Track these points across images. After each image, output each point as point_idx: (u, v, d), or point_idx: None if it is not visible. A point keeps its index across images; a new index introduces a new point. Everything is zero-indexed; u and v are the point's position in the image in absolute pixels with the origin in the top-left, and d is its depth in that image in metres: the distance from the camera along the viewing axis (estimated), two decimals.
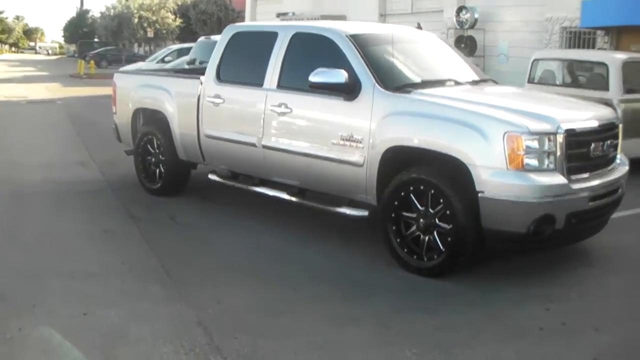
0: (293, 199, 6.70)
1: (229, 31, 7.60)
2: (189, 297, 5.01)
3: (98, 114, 15.83)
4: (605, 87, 9.71)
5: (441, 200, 5.40)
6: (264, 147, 6.74)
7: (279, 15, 27.41)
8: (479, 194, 5.20)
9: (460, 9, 19.32)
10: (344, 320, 4.69)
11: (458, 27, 19.27)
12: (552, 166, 5.24)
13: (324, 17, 24.31)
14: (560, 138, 5.27)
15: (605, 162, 5.83)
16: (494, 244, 5.44)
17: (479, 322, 4.73)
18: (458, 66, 6.97)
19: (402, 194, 5.65)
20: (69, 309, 4.76)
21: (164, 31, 38.20)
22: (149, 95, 8.30)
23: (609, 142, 5.81)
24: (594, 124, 5.67)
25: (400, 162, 5.72)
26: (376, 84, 5.90)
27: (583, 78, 10.73)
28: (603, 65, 9.92)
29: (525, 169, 5.15)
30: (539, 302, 5.08)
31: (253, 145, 6.84)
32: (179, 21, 38.62)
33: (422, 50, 7.03)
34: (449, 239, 5.39)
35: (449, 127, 5.37)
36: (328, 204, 6.39)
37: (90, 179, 9.30)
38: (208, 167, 7.99)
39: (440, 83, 6.36)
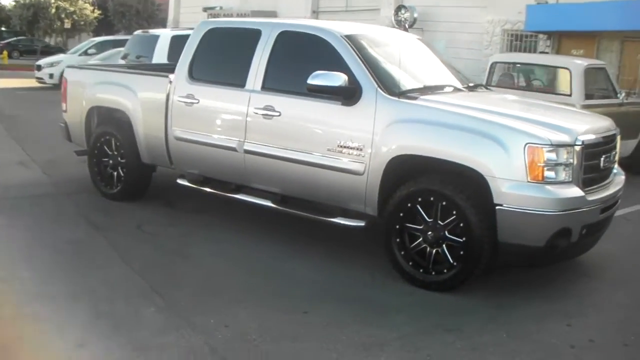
0: (279, 207, 6.26)
1: (203, 27, 7.03)
2: (191, 321, 4.53)
3: (22, 108, 14.88)
4: (568, 93, 9.71)
5: (454, 212, 5.12)
6: (246, 151, 6.28)
7: (205, 9, 26.72)
8: (497, 207, 4.95)
9: (399, 8, 19.26)
10: (369, 345, 4.33)
11: (396, 26, 19.15)
12: (569, 178, 5.06)
13: (255, 13, 23.89)
14: (577, 150, 5.10)
15: (609, 173, 5.74)
16: (509, 258, 5.20)
17: (508, 342, 4.49)
18: (448, 70, 6.71)
19: (409, 205, 5.33)
20: (60, 340, 4.19)
21: (82, 22, 36.64)
22: (109, 93, 7.67)
23: (613, 153, 5.72)
24: (604, 135, 5.54)
25: (406, 171, 5.41)
26: (379, 89, 5.55)
27: (544, 83, 10.71)
28: (566, 70, 9.92)
29: (545, 181, 4.94)
30: (558, 317, 4.91)
31: (233, 149, 6.37)
32: (97, 13, 37.17)
33: (413, 53, 6.72)
34: (462, 253, 5.11)
35: (465, 137, 5.09)
36: (318, 214, 6.00)
37: (34, 181, 8.56)
38: (169, 170, 7.48)
39: (439, 88, 6.09)
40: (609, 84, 10.52)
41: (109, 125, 7.73)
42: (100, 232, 6.51)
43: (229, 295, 5.05)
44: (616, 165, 6.01)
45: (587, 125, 5.49)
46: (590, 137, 5.30)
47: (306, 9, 23.50)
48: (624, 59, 14.30)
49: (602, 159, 5.47)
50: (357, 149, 5.55)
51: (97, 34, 35.93)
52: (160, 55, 13.75)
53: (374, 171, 5.48)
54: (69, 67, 8.64)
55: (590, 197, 5.20)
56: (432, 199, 5.23)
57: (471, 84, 6.58)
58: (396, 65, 6.06)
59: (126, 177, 7.55)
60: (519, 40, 16.34)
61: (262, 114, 6.13)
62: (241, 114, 6.31)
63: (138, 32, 16.10)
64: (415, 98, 5.56)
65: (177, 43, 13.93)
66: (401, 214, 5.38)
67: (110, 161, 7.70)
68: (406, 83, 5.78)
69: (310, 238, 6.42)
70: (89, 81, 7.98)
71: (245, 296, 5.05)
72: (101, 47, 23.45)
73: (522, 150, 4.90)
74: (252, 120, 6.23)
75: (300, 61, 6.22)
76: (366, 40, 6.13)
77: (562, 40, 15.59)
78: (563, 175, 5.03)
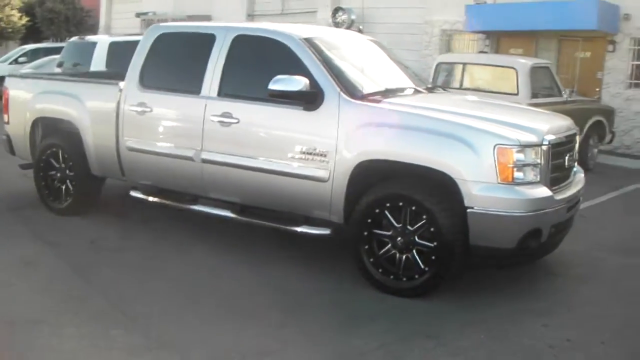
0: (240, 217, 6.08)
1: (154, 31, 6.79)
2: (164, 341, 4.33)
3: None
4: (515, 92, 9.82)
5: (424, 217, 5.05)
6: (204, 161, 6.09)
7: (138, 15, 26.16)
8: (468, 210, 4.92)
9: (336, 10, 19.24)
10: (351, 356, 4.23)
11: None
12: (537, 178, 5.06)
13: (190, 18, 23.48)
14: (544, 149, 5.11)
15: (571, 171, 5.80)
16: (480, 260, 5.18)
17: (488, 344, 4.46)
18: (404, 72, 6.66)
19: (377, 211, 5.25)
20: None
21: (10, 30, 35.32)
22: (55, 103, 7.34)
23: (574, 151, 5.79)
24: (566, 134, 5.58)
25: (373, 177, 5.32)
26: (341, 93, 5.45)
27: (489, 82, 10.81)
28: (512, 69, 10.04)
29: (515, 182, 4.93)
30: (533, 317, 4.92)
31: (189, 159, 6.17)
32: (25, 20, 35.92)
33: (369, 55, 6.64)
34: (433, 257, 5.06)
35: (433, 140, 5.04)
36: (281, 223, 5.85)
37: None
38: (117, 182, 7.25)
39: (400, 91, 6.03)
40: (553, 83, 10.72)
41: (56, 137, 7.41)
42: (53, 249, 6.19)
43: (200, 311, 4.86)
44: (575, 164, 6.07)
45: (551, 125, 5.52)
46: (555, 136, 5.32)
47: (241, 13, 23.26)
48: (561, 58, 14.63)
49: (566, 157, 5.52)
50: (321, 155, 5.43)
51: (24, 41, 34.74)
52: (98, 63, 13.33)
53: (339, 177, 5.36)
54: (10, 76, 8.25)
55: (558, 197, 5.23)
56: (400, 204, 5.15)
57: (429, 86, 6.54)
58: (355, 67, 5.99)
59: (75, 190, 7.25)
60: (457, 41, 16.51)
61: (219, 121, 5.95)
62: (197, 122, 6.11)
63: (74, 38, 15.58)
64: (378, 101, 5.48)
65: (116, 50, 13.60)
66: (369, 221, 5.28)
67: (58, 174, 7.38)
68: (368, 86, 5.69)
69: (272, 247, 6.26)
70: (33, 91, 7.62)
71: (216, 310, 4.88)
72: (32, 55, 22.66)
73: (491, 151, 4.88)
74: (209, 128, 6.04)
75: (258, 66, 6.06)
76: (323, 43, 6.01)
77: (500, 39, 15.84)
78: (531, 175, 5.03)
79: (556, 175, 5.34)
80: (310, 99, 5.46)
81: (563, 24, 13.62)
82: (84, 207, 7.34)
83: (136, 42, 14.61)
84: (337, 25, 19.09)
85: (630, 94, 14.21)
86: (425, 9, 17.03)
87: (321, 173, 5.43)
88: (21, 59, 22.29)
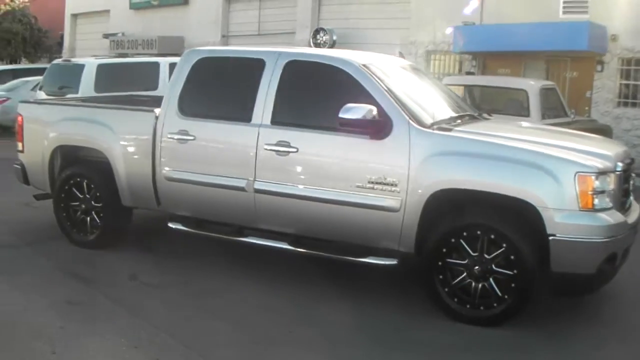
0: (297, 249, 5.89)
1: (192, 56, 6.54)
2: None
3: None
4: (526, 114, 9.89)
5: (504, 245, 4.98)
6: (257, 191, 5.89)
7: (107, 36, 25.70)
8: (550, 237, 4.86)
9: (317, 31, 19.20)
10: None
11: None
12: (611, 204, 5.05)
13: (162, 39, 23.23)
14: (617, 175, 5.11)
15: (630, 196, 5.80)
16: (560, 288, 5.13)
17: None
18: (454, 98, 6.61)
19: (453, 240, 5.15)
20: None
21: None
22: (80, 131, 7.04)
23: (633, 176, 5.80)
24: (628, 159, 5.60)
25: (446, 206, 5.22)
26: (410, 121, 5.35)
27: (498, 104, 10.86)
28: (523, 91, 10.11)
29: (595, 209, 4.91)
30: (613, 341, 4.96)
31: (240, 189, 5.96)
32: None
33: (418, 81, 6.56)
34: (514, 285, 4.98)
35: (514, 169, 4.98)
36: (343, 254, 5.69)
37: None
38: (139, 210, 7.03)
39: (461, 118, 5.97)
40: (559, 103, 10.84)
41: (80, 166, 7.12)
42: (92, 287, 5.88)
43: (269, 350, 4.68)
44: None
45: (617, 151, 5.53)
46: (623, 162, 5.33)
47: (216, 34, 23.04)
48: (550, 78, 14.80)
49: (630, 182, 5.53)
50: (391, 185, 5.31)
51: None
52: (86, 86, 13.00)
53: (411, 207, 5.25)
54: (22, 102, 7.91)
55: (629, 221, 5.23)
56: (478, 232, 5.07)
57: (481, 113, 6.50)
58: (414, 94, 5.90)
59: (105, 222, 6.94)
60: (443, 61, 16.63)
61: (275, 150, 5.78)
62: (249, 151, 5.92)
63: (58, 61, 15.18)
64: (449, 130, 5.40)
65: (104, 72, 13.31)
66: (444, 250, 5.19)
67: (82, 205, 7.07)
68: (433, 114, 5.60)
69: (328, 280, 6.06)
70: (52, 118, 7.30)
71: (285, 349, 4.70)
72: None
73: (572, 179, 4.85)
74: (263, 158, 5.86)
75: (315, 93, 5.93)
76: (379, 69, 5.91)
77: (487, 60, 16.00)
78: (607, 201, 5.02)
79: (624, 200, 5.35)
80: (380, 128, 5.34)
81: (553, 44, 13.85)
82: (113, 239, 7.04)
83: (125, 65, 14.54)
84: (317, 46, 19.04)
85: (619, 112, 14.53)
86: (409, 29, 17.11)
87: (392, 203, 5.31)
88: None
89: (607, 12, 14.24)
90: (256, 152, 5.88)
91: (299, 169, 5.73)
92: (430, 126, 5.37)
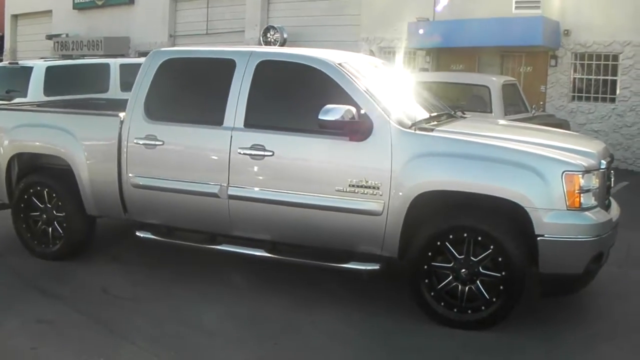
0: (275, 256, 5.71)
1: (157, 58, 6.25)
2: None
3: None
4: (488, 110, 9.88)
5: (491, 247, 4.90)
6: (231, 197, 5.68)
7: (50, 37, 24.93)
8: (539, 238, 4.79)
9: (268, 29, 18.97)
10: None
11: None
12: (596, 202, 5.01)
13: (107, 40, 22.69)
14: (601, 173, 5.09)
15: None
16: (547, 288, 5.06)
17: None
18: (428, 97, 6.50)
19: (439, 243, 5.04)
20: None
21: None
22: (39, 138, 6.70)
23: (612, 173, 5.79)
24: (609, 157, 5.58)
25: (433, 209, 5.11)
26: (391, 122, 5.21)
27: (460, 101, 10.80)
28: (485, 87, 10.10)
29: (582, 207, 4.86)
30: (602, 340, 4.95)
31: (213, 195, 5.73)
32: None
33: (392, 80, 6.44)
34: (502, 287, 4.90)
35: (500, 169, 4.89)
36: (324, 260, 5.53)
37: None
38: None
39: (440, 117, 5.87)
40: (520, 99, 10.87)
41: (40, 175, 6.79)
42: (65, 304, 5.53)
43: None
44: None
45: (599, 148, 5.50)
46: (606, 159, 5.30)
47: (163, 33, 22.57)
48: (505, 73, 14.93)
49: (612, 180, 5.51)
50: (373, 188, 5.16)
51: None
52: (35, 89, 12.48)
53: (394, 210, 5.11)
54: None
55: (613, 219, 5.20)
56: (465, 235, 4.97)
57: (456, 111, 6.41)
58: (391, 94, 5.76)
59: (68, 232, 6.62)
60: (392, 57, 16.55)
61: (250, 154, 5.57)
62: (222, 156, 5.70)
63: (3, 63, 14.57)
64: (431, 130, 5.29)
65: (53, 74, 12.81)
66: (430, 254, 5.07)
67: (43, 215, 6.74)
68: (413, 114, 5.48)
69: (311, 287, 5.90)
70: (8, 124, 6.90)
71: None
72: None
73: (560, 178, 4.79)
74: (236, 162, 5.64)
75: (290, 94, 5.74)
76: (354, 68, 5.74)
77: (440, 56, 16.02)
78: (592, 200, 4.98)
79: (606, 197, 5.33)
80: (360, 129, 5.19)
81: (508, 40, 13.94)
82: (77, 250, 6.74)
83: (75, 67, 14.06)
84: (267, 44, 18.82)
85: (573, 106, 14.72)
86: (360, 26, 17.02)
87: (374, 206, 5.16)
88: None
89: (560, 7, 14.43)
90: (229, 157, 5.66)
91: (275, 173, 5.54)
92: (411, 126, 5.25)
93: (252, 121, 5.64)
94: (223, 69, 5.86)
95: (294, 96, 5.67)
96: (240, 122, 5.66)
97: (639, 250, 7.21)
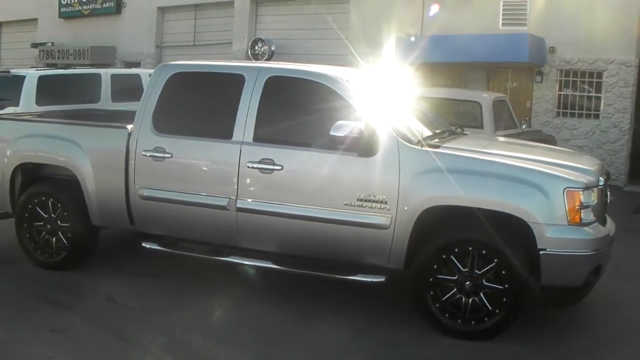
0: (283, 268, 5.82)
1: (165, 71, 6.39)
2: None
3: None
4: (479, 126, 10.09)
5: (495, 260, 5.08)
6: (239, 209, 5.81)
7: (35, 45, 24.83)
8: (541, 251, 4.99)
9: (255, 41, 19.10)
10: None
11: (252, 60, 18.97)
12: (594, 218, 5.22)
13: (94, 49, 22.65)
14: (600, 190, 5.30)
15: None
16: (547, 300, 5.27)
17: None
18: (430, 114, 6.69)
19: (444, 256, 5.21)
20: None
21: None
22: (44, 148, 6.80)
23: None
24: (606, 173, 5.79)
25: (439, 223, 5.28)
26: (399, 138, 5.39)
27: (451, 117, 10.99)
28: (476, 103, 10.32)
29: (582, 223, 5.07)
30: (603, 349, 5.16)
31: (222, 208, 5.86)
32: None
33: (400, 96, 6.62)
34: (505, 299, 5.08)
35: (505, 185, 5.10)
36: (331, 272, 5.66)
37: None
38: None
39: (444, 134, 6.07)
40: (509, 115, 11.11)
41: (45, 185, 6.87)
42: (75, 314, 5.62)
43: None
44: None
45: (596, 166, 5.72)
46: (603, 176, 5.52)
47: (150, 44, 22.58)
48: (491, 89, 15.19)
49: (608, 195, 5.72)
50: (381, 202, 5.33)
51: None
52: (28, 98, 12.52)
53: (401, 224, 5.28)
54: None
55: (611, 234, 5.42)
56: (470, 248, 5.15)
57: (457, 128, 6.61)
58: (398, 110, 5.94)
59: (73, 242, 6.70)
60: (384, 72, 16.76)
61: (259, 168, 5.72)
62: (231, 169, 5.84)
63: None
64: (437, 146, 5.47)
65: (46, 84, 12.84)
66: (435, 266, 5.24)
67: (48, 225, 6.81)
68: (419, 130, 5.67)
69: (315, 297, 6.05)
70: (12, 135, 6.99)
71: None
72: None
73: (562, 194, 4.99)
74: (246, 175, 5.78)
75: (299, 110, 5.88)
76: (362, 85, 5.93)
77: (427, 71, 16.18)
78: (591, 215, 5.18)
79: (603, 213, 5.54)
80: (368, 145, 5.35)
81: (494, 56, 14.19)
82: (82, 260, 6.83)
83: (66, 76, 14.08)
84: (255, 56, 18.96)
85: (559, 122, 15.01)
86: (349, 40, 17.19)
87: (381, 220, 5.33)
88: None
89: (545, 24, 14.70)
90: (238, 170, 5.80)
91: (284, 186, 5.69)
92: (418, 142, 5.42)
93: (261, 135, 5.79)
94: (232, 83, 6.01)
95: (302, 112, 5.82)
96: (249, 137, 5.81)
97: (628, 263, 7.41)
